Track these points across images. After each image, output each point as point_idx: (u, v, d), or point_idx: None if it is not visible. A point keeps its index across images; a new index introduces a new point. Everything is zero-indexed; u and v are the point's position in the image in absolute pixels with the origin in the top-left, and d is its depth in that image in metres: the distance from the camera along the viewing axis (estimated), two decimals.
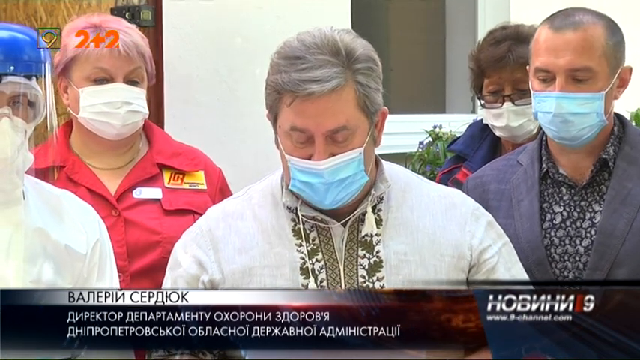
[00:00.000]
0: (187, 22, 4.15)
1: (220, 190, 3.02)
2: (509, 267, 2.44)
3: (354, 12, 4.68)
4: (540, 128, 3.24)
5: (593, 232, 2.64)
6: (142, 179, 2.96)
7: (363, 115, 2.32)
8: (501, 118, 3.23)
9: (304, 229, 2.38)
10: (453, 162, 3.47)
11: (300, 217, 2.38)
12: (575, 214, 2.67)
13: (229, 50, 4.25)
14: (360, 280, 2.35)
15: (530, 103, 3.16)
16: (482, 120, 3.49)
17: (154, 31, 3.92)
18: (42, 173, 2.62)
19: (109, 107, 2.88)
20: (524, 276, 2.47)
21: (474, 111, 5.30)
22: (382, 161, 2.46)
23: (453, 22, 5.61)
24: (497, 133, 3.30)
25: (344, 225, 2.38)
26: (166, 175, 2.99)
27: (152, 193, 2.95)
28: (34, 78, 2.34)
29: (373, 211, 2.39)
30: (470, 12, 5.45)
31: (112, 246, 2.74)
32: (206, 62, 4.21)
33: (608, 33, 2.63)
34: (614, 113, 2.72)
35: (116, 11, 3.85)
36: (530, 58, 2.70)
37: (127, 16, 3.75)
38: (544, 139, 2.75)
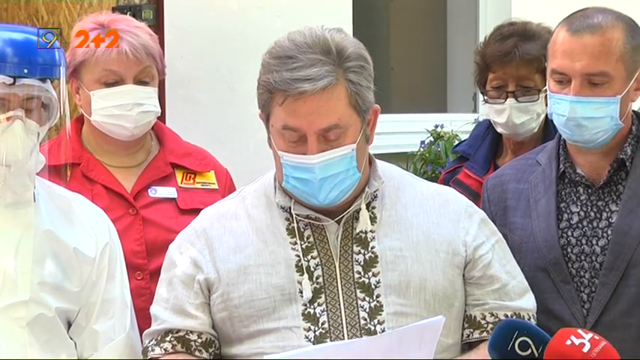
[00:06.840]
0: (188, 21, 4.15)
1: (229, 190, 2.99)
2: (504, 263, 2.46)
3: (355, 11, 4.67)
4: (543, 126, 3.25)
5: (609, 232, 2.61)
6: (157, 178, 2.97)
7: (355, 114, 2.33)
8: (503, 114, 3.21)
9: (298, 227, 2.39)
10: (456, 162, 3.46)
11: (294, 216, 2.39)
12: (592, 213, 2.65)
13: (229, 50, 4.25)
14: (356, 276, 2.35)
15: (534, 101, 3.19)
16: (486, 120, 3.48)
17: (154, 30, 3.89)
18: (55, 170, 2.61)
19: (121, 110, 2.87)
20: (518, 273, 2.48)
21: (475, 110, 5.30)
22: (376, 159, 2.47)
23: (454, 21, 5.60)
24: (499, 130, 3.28)
25: (338, 222, 2.39)
26: (179, 175, 3.00)
27: (167, 192, 2.96)
28: (49, 80, 2.33)
29: (367, 208, 2.40)
30: (471, 11, 5.44)
31: (131, 244, 2.76)
32: (206, 62, 4.21)
33: (627, 36, 2.56)
34: (633, 111, 2.68)
35: (117, 10, 3.84)
36: (547, 59, 2.64)
37: (127, 15, 3.74)
38: (562, 138, 2.71)
